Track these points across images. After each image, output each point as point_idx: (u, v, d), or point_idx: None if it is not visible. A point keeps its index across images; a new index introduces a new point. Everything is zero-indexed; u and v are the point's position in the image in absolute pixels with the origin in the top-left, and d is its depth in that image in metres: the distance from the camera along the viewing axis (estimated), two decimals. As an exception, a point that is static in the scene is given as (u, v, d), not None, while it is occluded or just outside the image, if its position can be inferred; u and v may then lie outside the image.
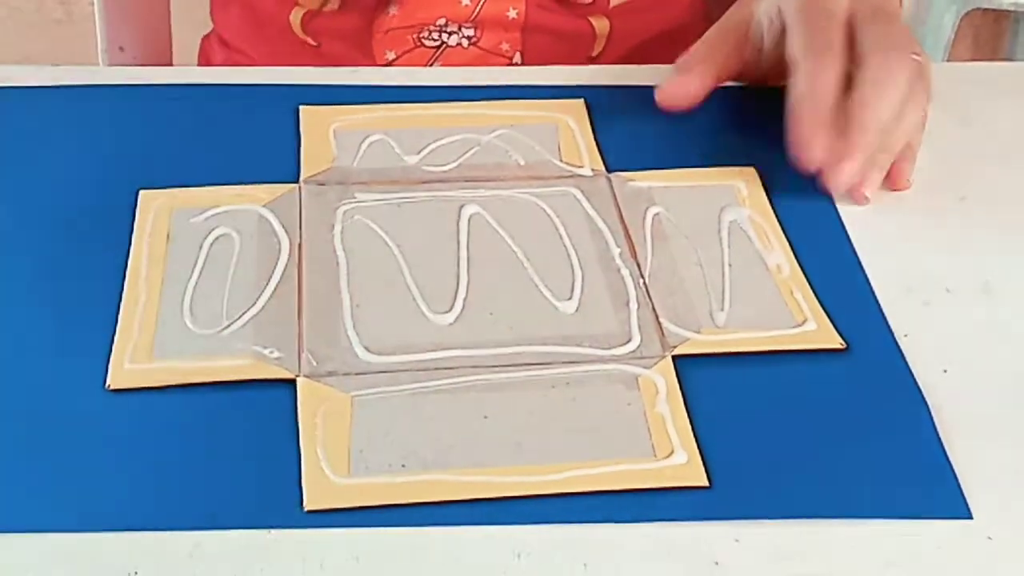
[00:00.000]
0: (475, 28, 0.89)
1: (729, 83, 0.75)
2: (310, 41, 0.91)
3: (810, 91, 0.68)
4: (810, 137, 0.67)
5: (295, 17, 0.90)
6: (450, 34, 0.89)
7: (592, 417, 0.55)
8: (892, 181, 0.70)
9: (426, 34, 0.89)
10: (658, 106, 0.72)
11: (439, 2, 0.88)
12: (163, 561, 0.49)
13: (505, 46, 0.90)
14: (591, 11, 0.91)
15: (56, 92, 0.74)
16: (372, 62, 0.90)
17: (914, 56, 0.69)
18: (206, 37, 1.03)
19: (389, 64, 0.90)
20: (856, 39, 0.69)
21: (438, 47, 0.90)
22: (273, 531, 0.50)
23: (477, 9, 0.88)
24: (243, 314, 0.59)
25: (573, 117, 0.73)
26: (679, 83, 0.73)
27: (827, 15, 0.70)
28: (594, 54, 0.92)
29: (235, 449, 0.53)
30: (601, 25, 0.92)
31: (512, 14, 0.89)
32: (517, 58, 0.90)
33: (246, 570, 0.49)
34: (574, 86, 0.76)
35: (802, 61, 0.69)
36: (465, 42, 0.89)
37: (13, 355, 0.57)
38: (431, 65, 0.90)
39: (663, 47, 0.85)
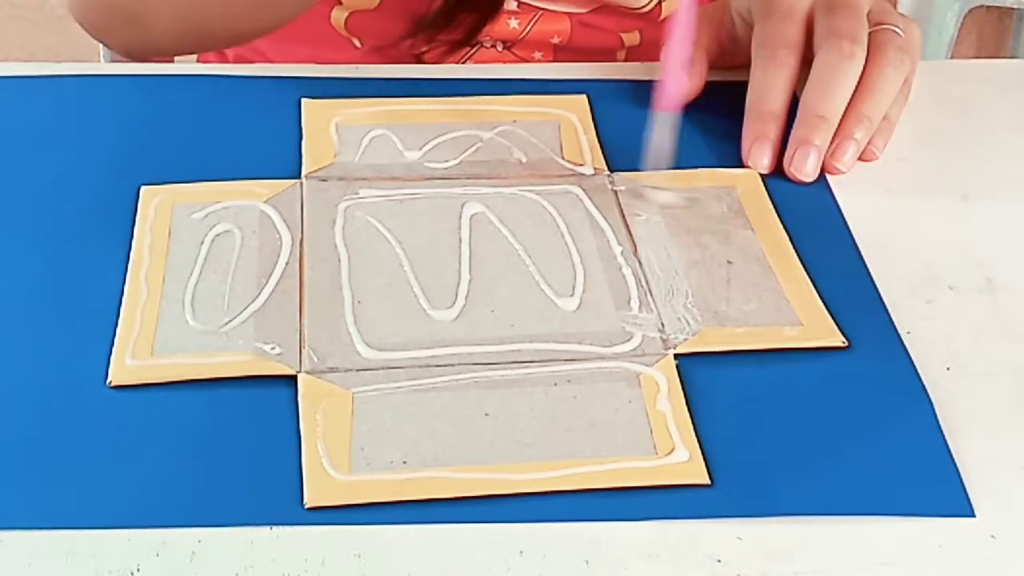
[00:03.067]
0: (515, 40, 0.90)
1: (731, 80, 0.75)
2: (355, 42, 0.90)
3: (761, 89, 0.71)
4: (748, 147, 0.70)
5: (338, 16, 0.89)
6: (491, 40, 0.89)
7: (593, 414, 0.55)
8: (861, 154, 0.71)
9: None
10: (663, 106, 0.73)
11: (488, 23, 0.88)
12: (165, 558, 0.49)
13: (538, 55, 0.91)
14: (634, 24, 0.91)
15: (57, 83, 0.74)
16: (406, 56, 0.90)
17: (894, 30, 0.70)
18: None
19: (420, 55, 0.90)
20: (814, 32, 0.72)
21: (472, 47, 0.90)
22: (275, 528, 0.50)
23: (524, 33, 0.89)
24: (244, 310, 0.59)
25: (575, 113, 0.73)
26: (682, 82, 0.73)
27: (787, 12, 0.72)
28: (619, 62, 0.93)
29: (236, 446, 0.53)
30: (631, 38, 0.92)
31: (555, 40, 0.90)
32: None
33: (248, 567, 0.49)
34: (577, 80, 0.76)
35: (756, 58, 0.72)
36: (500, 46, 0.90)
37: (14, 351, 0.57)
38: (463, 63, 0.90)
39: None
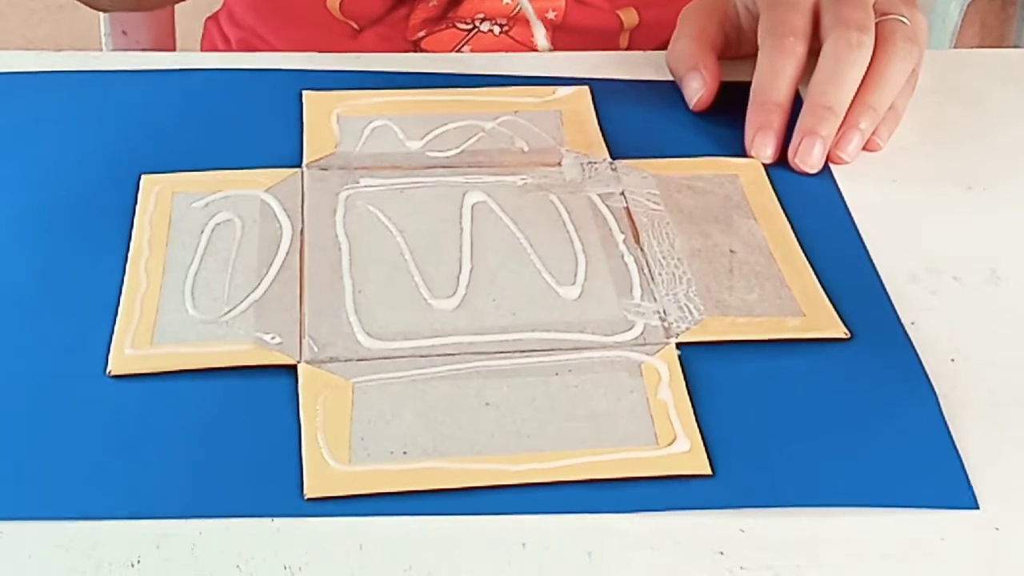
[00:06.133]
0: (509, 19, 0.89)
1: (736, 81, 0.74)
2: (353, 24, 0.90)
3: (767, 78, 0.70)
4: (752, 136, 0.70)
5: (332, 1, 0.89)
6: (483, 20, 0.89)
7: (594, 404, 0.55)
8: (865, 144, 0.70)
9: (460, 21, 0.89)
10: (692, 110, 0.73)
11: None
12: (165, 550, 0.49)
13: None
14: (627, 1, 0.91)
15: (59, 77, 0.74)
16: (403, 41, 0.89)
17: (901, 19, 0.70)
18: (212, 17, 1.03)
19: (418, 42, 0.89)
20: (820, 22, 0.71)
21: (470, 30, 0.89)
22: (276, 520, 0.50)
23: (517, 9, 0.88)
24: (244, 300, 0.59)
25: (578, 105, 0.73)
26: (700, 85, 0.73)
27: (794, 2, 0.72)
28: (621, 47, 0.93)
29: (236, 436, 0.53)
30: (629, 18, 0.92)
31: (551, 15, 0.89)
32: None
33: (249, 559, 0.48)
34: (579, 78, 0.76)
35: (763, 47, 0.71)
36: (497, 29, 0.89)
37: (13, 341, 0.57)
38: (459, 49, 0.89)
39: None
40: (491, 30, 0.90)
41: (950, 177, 0.70)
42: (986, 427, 0.55)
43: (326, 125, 0.70)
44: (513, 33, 0.90)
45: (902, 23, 0.70)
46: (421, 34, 0.90)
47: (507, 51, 0.88)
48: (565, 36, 0.91)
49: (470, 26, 0.89)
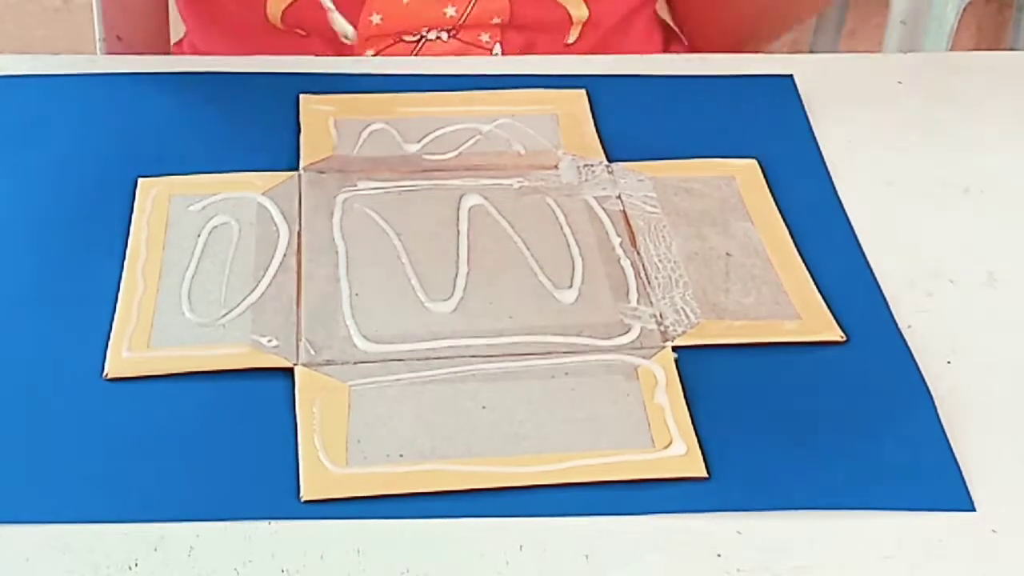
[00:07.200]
0: (455, 26, 0.89)
1: (731, 74, 0.74)
2: (299, 31, 0.89)
3: None
4: None
5: (274, 10, 0.88)
6: (428, 30, 0.89)
7: (591, 407, 0.55)
8: None
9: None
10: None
11: (423, 12, 0.87)
12: (163, 552, 0.49)
13: (485, 37, 0.90)
14: None
15: (55, 81, 0.74)
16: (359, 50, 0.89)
17: None
18: (177, 44, 1.02)
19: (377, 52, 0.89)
20: None
21: (418, 41, 0.89)
22: (273, 522, 0.50)
23: (462, 19, 0.88)
24: (241, 303, 0.59)
25: (575, 107, 0.73)
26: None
27: None
28: (570, 41, 0.92)
29: (233, 439, 0.53)
30: (579, 13, 0.91)
31: (496, 21, 0.89)
32: (497, 49, 0.89)
33: (247, 562, 0.48)
34: (576, 75, 0.76)
35: None
36: (445, 35, 0.89)
37: (11, 344, 0.57)
38: (413, 55, 0.89)
39: (634, 29, 0.87)
40: (439, 37, 0.89)
41: (947, 180, 0.70)
42: (983, 430, 0.55)
43: (323, 128, 0.70)
44: (461, 36, 0.89)
45: None
46: (370, 54, 0.88)
47: (459, 54, 0.87)
48: (515, 35, 0.90)
49: (417, 37, 0.89)
